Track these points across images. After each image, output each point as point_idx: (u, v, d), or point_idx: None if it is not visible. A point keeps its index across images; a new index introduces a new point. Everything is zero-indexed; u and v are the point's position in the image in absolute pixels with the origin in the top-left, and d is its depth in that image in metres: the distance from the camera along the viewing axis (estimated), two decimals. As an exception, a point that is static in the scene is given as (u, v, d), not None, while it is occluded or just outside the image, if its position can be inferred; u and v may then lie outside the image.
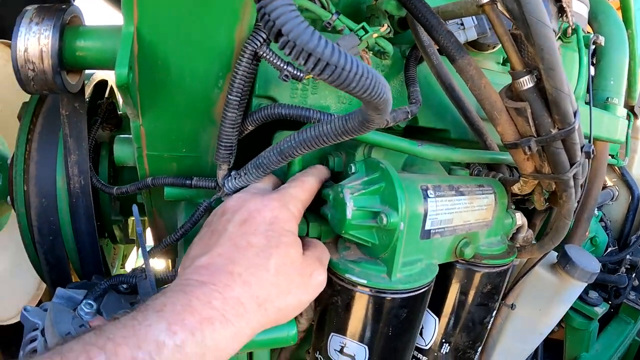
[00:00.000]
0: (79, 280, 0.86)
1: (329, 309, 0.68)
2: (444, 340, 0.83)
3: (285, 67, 0.56)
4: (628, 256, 1.39)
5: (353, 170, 0.66)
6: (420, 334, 0.84)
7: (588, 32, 0.95)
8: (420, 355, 0.86)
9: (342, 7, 0.78)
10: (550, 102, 0.56)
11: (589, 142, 0.79)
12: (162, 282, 0.69)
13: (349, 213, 0.59)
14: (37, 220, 0.82)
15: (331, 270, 0.65)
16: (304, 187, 0.59)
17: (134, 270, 0.73)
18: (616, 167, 1.46)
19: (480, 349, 0.89)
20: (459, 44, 0.60)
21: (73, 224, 0.81)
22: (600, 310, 1.34)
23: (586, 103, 1.04)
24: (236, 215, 0.53)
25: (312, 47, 0.36)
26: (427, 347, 0.84)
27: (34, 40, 0.66)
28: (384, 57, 0.66)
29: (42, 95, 0.86)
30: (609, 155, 1.42)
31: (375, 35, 0.61)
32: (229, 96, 0.63)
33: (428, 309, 0.82)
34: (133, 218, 1.16)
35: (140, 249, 0.66)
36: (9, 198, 0.93)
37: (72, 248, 0.84)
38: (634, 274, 1.42)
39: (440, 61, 0.72)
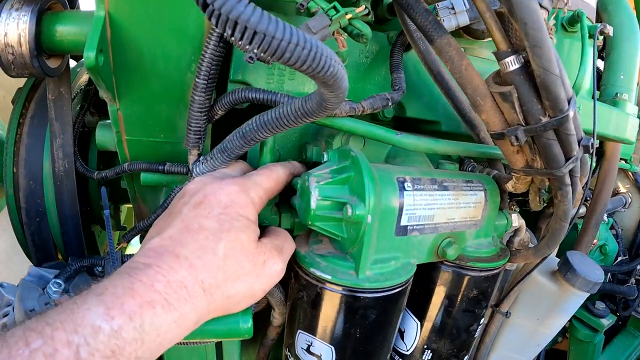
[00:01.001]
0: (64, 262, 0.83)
1: (297, 305, 0.61)
2: (426, 347, 0.73)
3: (249, 47, 0.50)
4: (639, 267, 1.24)
5: (325, 159, 0.59)
6: (402, 337, 0.76)
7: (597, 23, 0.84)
8: (400, 360, 0.77)
9: (328, -9, 0.71)
10: (539, 86, 0.47)
11: (593, 138, 0.69)
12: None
13: (313, 203, 0.52)
14: (25, 202, 0.79)
15: (298, 263, 0.58)
16: (270, 175, 0.54)
17: (106, 253, 0.68)
18: (630, 173, 1.32)
19: (466, 358, 0.79)
20: (438, 24, 0.52)
21: (57, 206, 0.78)
22: (607, 322, 1.20)
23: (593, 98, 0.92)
24: (193, 198, 0.49)
25: (236, 15, 0.31)
26: (408, 352, 0.75)
27: (14, 26, 0.63)
28: (362, 40, 0.58)
29: (35, 81, 0.83)
30: (622, 159, 1.28)
31: (349, 16, 0.54)
32: (197, 79, 0.57)
33: (410, 312, 0.73)
34: (126, 205, 1.13)
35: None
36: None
37: (57, 232, 0.81)
38: (645, 286, 1.27)
39: (428, 47, 0.64)
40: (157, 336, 0.39)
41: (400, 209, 0.56)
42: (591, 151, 0.57)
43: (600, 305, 1.23)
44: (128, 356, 0.36)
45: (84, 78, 0.93)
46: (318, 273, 0.55)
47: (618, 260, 1.27)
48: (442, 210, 0.61)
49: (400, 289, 0.58)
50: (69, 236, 0.80)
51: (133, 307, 0.38)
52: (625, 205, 1.30)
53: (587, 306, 1.24)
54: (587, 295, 0.87)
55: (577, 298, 0.88)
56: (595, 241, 1.20)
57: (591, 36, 0.74)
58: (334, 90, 0.40)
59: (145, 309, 0.38)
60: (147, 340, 0.38)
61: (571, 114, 0.50)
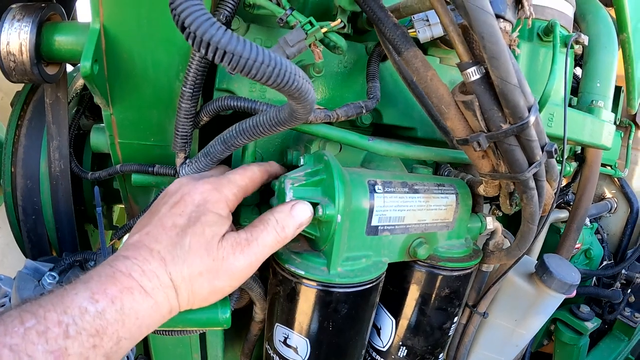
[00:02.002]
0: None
1: (274, 299, 0.65)
2: (401, 343, 0.78)
3: None
4: (624, 271, 1.27)
5: (302, 163, 0.64)
6: (378, 334, 0.80)
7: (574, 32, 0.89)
8: (377, 357, 0.81)
9: (311, 5, 0.77)
10: (499, 95, 0.52)
11: (564, 143, 0.73)
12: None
13: (288, 203, 0.57)
14: (22, 200, 0.85)
15: (276, 260, 0.63)
16: (245, 173, 0.58)
17: (98, 248, 0.74)
18: (616, 179, 1.35)
19: (442, 356, 0.84)
20: (406, 36, 0.57)
21: (53, 205, 0.83)
22: (591, 325, 1.23)
23: (570, 105, 0.97)
24: (172, 198, 0.54)
25: (208, 37, 0.36)
26: (384, 349, 0.80)
27: (15, 35, 0.69)
28: (338, 51, 0.63)
29: (33, 86, 0.89)
30: (607, 165, 1.32)
31: (324, 30, 0.59)
32: (183, 88, 0.62)
33: (385, 310, 0.78)
34: (118, 205, 1.18)
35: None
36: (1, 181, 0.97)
37: (52, 229, 0.86)
38: (629, 290, 1.30)
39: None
40: (136, 319, 0.44)
41: (371, 210, 0.61)
42: (555, 156, 0.62)
43: (584, 309, 1.26)
44: (111, 335, 0.41)
45: (80, 83, 0.98)
46: (293, 269, 0.59)
47: (603, 265, 1.30)
48: (413, 212, 0.65)
49: (371, 285, 0.62)
50: (63, 233, 0.85)
51: (114, 292, 0.43)
52: (610, 210, 1.34)
53: (571, 309, 1.28)
54: (563, 296, 0.91)
55: (553, 299, 0.91)
56: (579, 245, 1.23)
57: (565, 45, 0.79)
58: (300, 102, 0.44)
59: (125, 294, 0.43)
60: (127, 322, 0.43)
61: (531, 120, 0.55)
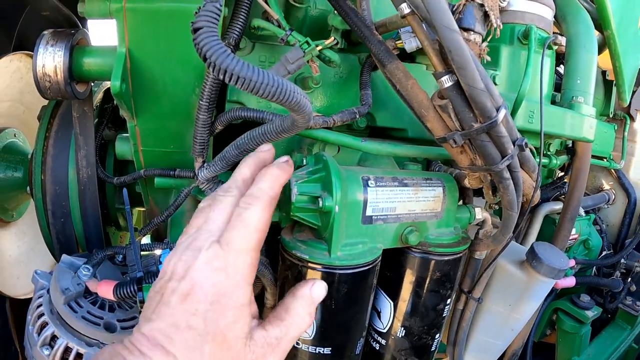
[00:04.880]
0: (85, 258, 1.04)
1: (284, 284, 0.80)
2: (400, 325, 0.92)
3: None
4: (623, 260, 1.40)
5: (304, 163, 0.79)
6: (379, 317, 0.95)
7: (555, 34, 1.03)
8: (378, 337, 0.96)
9: (308, 23, 0.92)
10: (468, 99, 0.66)
11: (540, 138, 0.87)
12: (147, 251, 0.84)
13: (293, 197, 0.72)
14: (51, 205, 1.01)
15: (284, 248, 0.78)
16: (249, 230, 0.53)
17: (126, 245, 0.89)
18: (613, 171, 1.49)
19: (438, 336, 0.98)
20: (388, 51, 0.72)
21: (81, 207, 0.99)
22: (592, 313, 1.36)
23: (552, 103, 1.11)
24: (180, 284, 0.50)
25: (225, 65, 0.51)
26: (384, 330, 0.94)
27: (50, 59, 0.85)
28: (332, 65, 0.78)
29: (58, 100, 1.05)
30: (602, 157, 1.45)
31: (319, 47, 0.74)
32: (200, 101, 0.78)
33: (384, 294, 0.92)
34: (137, 208, 1.34)
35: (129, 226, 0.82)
36: (28, 188, 1.13)
37: (80, 230, 1.02)
38: (629, 279, 1.43)
39: (390, 67, 0.84)
40: None
41: (365, 202, 0.75)
42: (525, 149, 0.76)
43: (585, 298, 1.39)
44: None
45: (99, 97, 1.15)
46: (299, 254, 0.74)
47: (603, 255, 1.44)
48: (403, 203, 0.80)
49: (368, 267, 0.77)
50: (91, 234, 1.01)
51: None
52: (609, 201, 1.47)
53: (572, 299, 1.41)
54: (553, 281, 1.05)
55: (543, 284, 1.05)
56: (576, 236, 1.37)
57: (542, 46, 0.93)
58: (299, 113, 0.59)
59: None
60: None
61: (500, 118, 0.69)
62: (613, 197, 1.47)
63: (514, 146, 0.75)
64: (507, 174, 0.77)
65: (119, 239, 1.37)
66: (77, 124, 0.97)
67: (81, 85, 0.91)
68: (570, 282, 1.36)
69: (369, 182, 0.76)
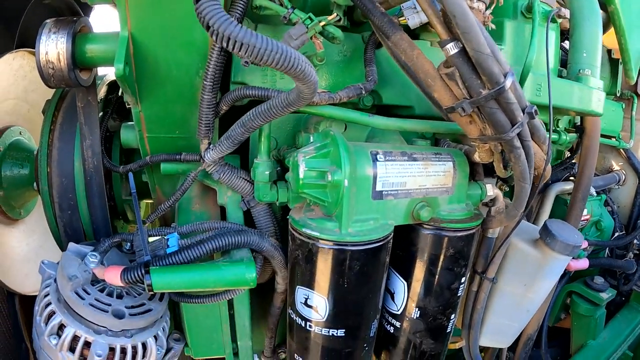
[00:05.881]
0: (93, 250, 1.03)
1: (295, 264, 0.79)
2: (414, 305, 0.90)
3: None
4: (636, 241, 1.37)
5: (311, 140, 0.78)
6: (392, 298, 0.93)
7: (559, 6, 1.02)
8: (393, 320, 0.94)
9: (310, 3, 0.91)
10: (475, 65, 0.65)
11: (549, 109, 0.85)
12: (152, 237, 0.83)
13: (301, 173, 0.70)
14: (57, 197, 1.00)
15: (294, 227, 0.76)
16: None
17: (136, 229, 0.88)
18: (622, 151, 1.46)
19: (453, 317, 0.96)
20: (392, 22, 0.70)
21: (87, 198, 0.98)
22: (606, 295, 1.33)
23: (560, 77, 1.09)
24: None
25: (228, 33, 0.50)
26: (398, 312, 0.92)
27: (53, 46, 0.84)
28: (336, 42, 0.77)
29: (62, 93, 1.05)
30: (611, 136, 1.43)
31: (322, 23, 0.73)
32: (204, 82, 0.77)
33: (397, 274, 0.90)
34: (144, 200, 1.33)
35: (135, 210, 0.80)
36: (35, 184, 1.12)
37: (87, 221, 1.01)
38: (643, 259, 1.40)
39: (394, 43, 0.83)
40: None
41: (375, 177, 0.74)
42: (535, 117, 0.74)
43: (599, 280, 1.36)
44: None
45: (103, 90, 1.14)
46: (309, 232, 0.73)
47: (615, 236, 1.41)
48: (413, 177, 0.78)
49: (380, 244, 0.75)
50: (98, 225, 1.00)
51: None
52: (619, 182, 1.44)
53: (586, 281, 1.38)
54: (568, 258, 1.03)
55: (558, 262, 1.03)
56: (588, 216, 1.34)
57: (546, 19, 0.92)
58: (304, 82, 0.58)
59: None
60: None
61: (507, 84, 0.67)
62: (623, 177, 1.45)
63: (524, 114, 0.73)
64: (517, 143, 0.75)
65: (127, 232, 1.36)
66: (82, 114, 0.96)
67: (85, 73, 0.90)
68: (583, 264, 1.32)
69: (378, 156, 0.75)
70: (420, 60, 0.69)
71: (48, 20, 0.87)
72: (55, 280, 0.86)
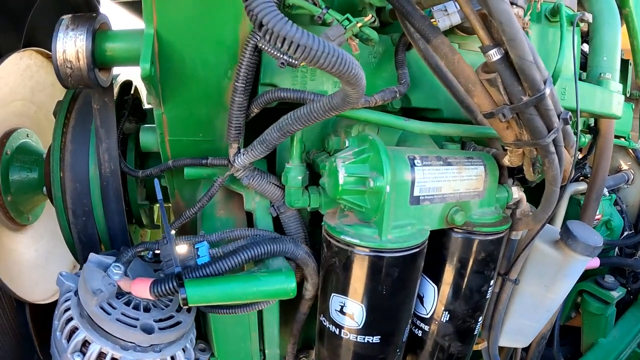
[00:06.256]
0: (109, 257, 0.99)
1: (330, 271, 0.78)
2: (444, 309, 0.90)
3: (281, 55, 0.68)
4: (645, 239, 1.41)
5: (347, 145, 0.76)
6: (421, 302, 0.92)
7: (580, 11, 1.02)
8: (421, 324, 0.93)
9: (337, 3, 0.90)
10: (517, 71, 0.65)
11: (577, 113, 0.86)
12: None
13: (341, 179, 0.69)
14: (71, 203, 0.96)
15: (330, 234, 0.75)
16: None
17: (157, 240, 0.85)
18: (631, 150, 1.49)
19: (481, 319, 0.96)
20: (432, 26, 0.69)
21: (104, 204, 0.95)
22: (617, 294, 1.36)
23: (580, 80, 1.10)
24: None
25: (285, 32, 0.48)
26: (428, 316, 0.92)
27: (71, 43, 0.80)
28: (371, 44, 0.76)
29: (74, 94, 1.01)
30: (621, 137, 1.45)
31: (359, 24, 0.71)
32: (236, 83, 0.75)
33: (427, 278, 0.90)
34: (158, 205, 1.29)
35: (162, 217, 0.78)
36: (44, 189, 1.08)
37: (103, 228, 0.97)
38: (652, 258, 1.43)
39: (426, 45, 0.82)
40: None
41: (413, 182, 0.73)
42: (569, 123, 0.74)
43: (609, 279, 1.39)
44: None
45: (115, 91, 1.10)
46: (348, 239, 0.72)
47: (625, 235, 1.43)
48: (448, 182, 0.78)
49: (418, 249, 0.75)
50: (115, 231, 0.97)
51: None
52: (628, 181, 1.47)
53: (596, 280, 1.40)
54: (588, 259, 1.04)
55: (579, 262, 1.04)
56: (599, 216, 1.36)
57: (571, 24, 0.92)
58: (355, 87, 0.57)
59: None
60: None
61: (547, 92, 0.68)
62: (632, 177, 1.47)
63: (559, 119, 0.73)
64: (552, 148, 0.75)
65: (139, 237, 1.33)
66: (98, 116, 0.93)
67: (104, 73, 0.87)
68: (594, 263, 1.35)
69: (415, 161, 0.74)
70: (462, 65, 0.68)
71: (65, 16, 0.83)
72: (75, 294, 0.82)
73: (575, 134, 0.84)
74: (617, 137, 1.43)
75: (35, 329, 1.13)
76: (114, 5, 1.43)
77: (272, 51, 0.68)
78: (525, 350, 1.42)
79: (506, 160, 0.86)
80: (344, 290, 0.76)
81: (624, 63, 1.46)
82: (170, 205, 1.04)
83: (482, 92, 0.70)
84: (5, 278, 1.04)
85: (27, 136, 1.15)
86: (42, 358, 1.13)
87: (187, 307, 0.74)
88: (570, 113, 0.74)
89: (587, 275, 1.47)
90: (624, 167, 1.50)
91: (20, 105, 1.13)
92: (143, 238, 1.34)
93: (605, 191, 1.30)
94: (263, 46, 0.69)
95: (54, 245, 1.23)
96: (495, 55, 0.66)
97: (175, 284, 0.72)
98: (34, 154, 1.12)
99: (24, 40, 1.12)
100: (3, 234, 1.09)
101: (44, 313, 1.14)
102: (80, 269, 0.90)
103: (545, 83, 0.67)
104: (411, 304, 0.82)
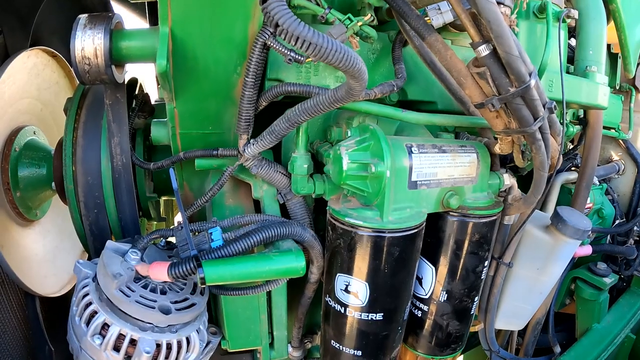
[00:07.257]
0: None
1: (335, 252, 0.88)
2: (442, 289, 1.01)
3: (288, 52, 0.78)
4: (636, 227, 1.53)
5: (349, 135, 0.86)
6: (420, 284, 1.03)
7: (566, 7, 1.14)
8: (421, 305, 1.04)
9: (337, 2, 1.00)
10: (505, 65, 0.75)
11: (562, 105, 0.97)
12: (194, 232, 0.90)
13: (345, 165, 0.79)
14: (83, 196, 1.05)
15: (335, 217, 0.85)
16: None
17: (171, 227, 0.95)
18: (621, 141, 1.61)
19: (477, 299, 1.07)
20: (427, 25, 0.80)
21: (116, 196, 1.04)
22: (609, 280, 1.48)
23: (567, 72, 1.22)
24: None
25: (298, 32, 0.59)
26: (427, 297, 1.02)
27: (89, 41, 0.89)
28: (370, 41, 0.86)
29: (84, 91, 1.10)
30: (611, 128, 1.58)
31: (359, 23, 0.82)
32: (246, 78, 0.84)
33: (425, 260, 1.00)
34: (165, 197, 1.38)
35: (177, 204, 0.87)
36: (52, 184, 1.17)
37: (114, 220, 1.06)
38: (643, 245, 1.55)
39: (421, 42, 0.93)
40: None
41: (410, 168, 0.84)
42: (554, 112, 0.85)
43: (602, 266, 1.51)
44: None
45: (122, 87, 1.19)
46: (352, 221, 0.82)
47: (616, 223, 1.56)
48: (443, 168, 0.89)
49: (416, 230, 0.85)
50: (127, 222, 1.05)
51: None
52: (619, 171, 1.60)
53: (589, 267, 1.52)
54: (577, 242, 1.15)
55: (569, 246, 1.15)
56: (590, 205, 1.48)
57: (558, 19, 1.04)
58: (358, 80, 0.67)
59: None
60: None
61: (532, 83, 0.78)
62: (623, 167, 1.60)
63: (544, 109, 0.84)
64: (539, 135, 0.86)
65: (146, 230, 1.42)
66: (110, 111, 1.01)
67: (118, 69, 0.96)
68: (587, 250, 1.47)
69: (412, 149, 0.84)
70: (454, 60, 0.79)
71: (81, 15, 0.92)
72: (93, 280, 0.91)
73: (562, 123, 0.96)
74: (607, 128, 1.55)
75: (46, 321, 1.21)
76: (114, 5, 1.53)
77: (280, 48, 0.79)
78: (521, 335, 1.54)
79: (497, 148, 0.97)
80: (348, 270, 0.86)
81: (614, 56, 1.58)
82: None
83: (473, 85, 0.81)
84: (15, 272, 1.13)
85: (34, 133, 1.23)
86: (53, 348, 1.22)
87: (202, 286, 0.83)
88: (554, 103, 0.85)
89: (580, 262, 1.59)
90: (615, 157, 1.63)
91: (27, 103, 1.22)
92: (150, 231, 1.43)
93: (596, 180, 1.42)
94: (271, 44, 0.79)
95: (61, 240, 1.31)
96: (484, 50, 0.77)
97: (193, 264, 0.81)
98: (41, 151, 1.21)
99: (30, 39, 1.20)
100: (13, 230, 1.17)
101: (53, 306, 1.22)
102: (89, 260, 0.99)
103: (530, 75, 0.78)
104: (411, 283, 0.92)
